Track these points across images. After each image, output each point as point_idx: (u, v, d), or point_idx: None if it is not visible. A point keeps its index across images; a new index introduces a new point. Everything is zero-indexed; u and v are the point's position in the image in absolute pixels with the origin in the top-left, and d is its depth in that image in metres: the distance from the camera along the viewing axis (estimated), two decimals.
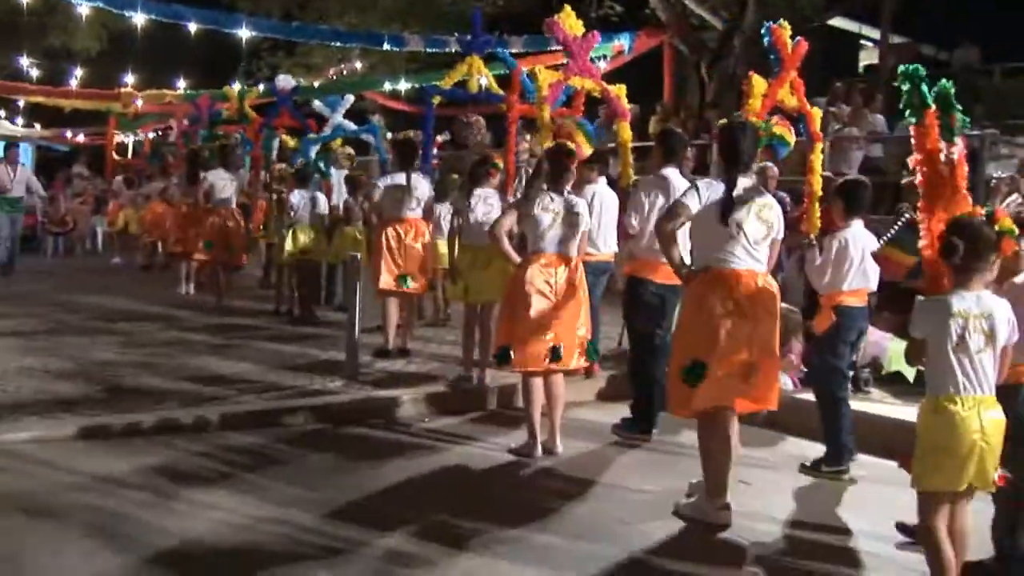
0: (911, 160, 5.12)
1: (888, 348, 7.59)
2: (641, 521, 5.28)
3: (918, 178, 4.94)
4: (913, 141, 4.88)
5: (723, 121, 5.54)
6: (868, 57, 21.93)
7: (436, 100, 11.44)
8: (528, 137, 10.20)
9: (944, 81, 4.80)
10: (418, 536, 4.95)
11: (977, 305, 4.02)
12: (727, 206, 5.21)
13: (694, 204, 5.19)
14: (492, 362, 6.94)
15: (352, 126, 12.66)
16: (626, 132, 8.80)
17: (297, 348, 9.13)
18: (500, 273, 7.31)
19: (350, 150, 12.83)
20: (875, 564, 4.87)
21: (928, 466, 4.04)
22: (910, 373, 7.59)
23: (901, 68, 4.78)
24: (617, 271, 7.97)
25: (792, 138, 8.26)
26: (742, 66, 16.09)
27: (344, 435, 6.75)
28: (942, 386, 4.01)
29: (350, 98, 12.94)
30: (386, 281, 8.64)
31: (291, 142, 12.56)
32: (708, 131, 15.25)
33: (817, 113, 8.43)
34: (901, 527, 5.03)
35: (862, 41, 22.01)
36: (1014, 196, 7.31)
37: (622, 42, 16.49)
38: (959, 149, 4.81)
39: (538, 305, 6.16)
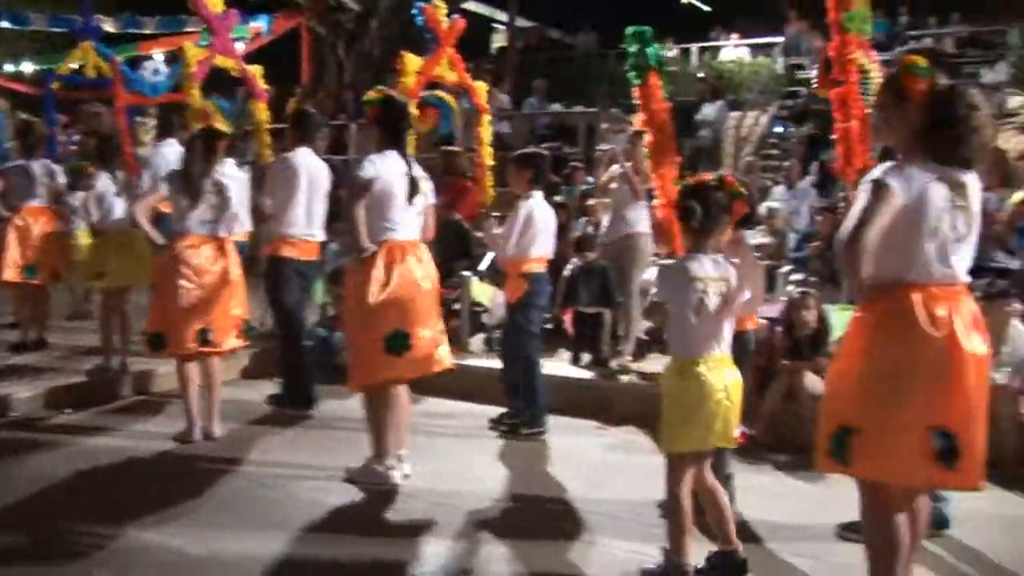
0: (635, 120, 5.38)
1: None
2: (317, 496, 5.29)
3: (647, 138, 5.26)
4: (639, 101, 5.17)
5: (377, 96, 5.55)
6: (500, 40, 23.10)
7: (56, 85, 10.98)
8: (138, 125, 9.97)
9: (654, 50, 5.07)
10: (73, 547, 4.57)
11: (715, 268, 4.09)
12: (414, 184, 5.41)
13: (372, 177, 5.29)
14: (139, 348, 6.86)
15: None
16: (263, 112, 8.85)
17: None
18: (139, 257, 7.27)
19: None
20: (585, 520, 5.06)
21: (679, 428, 4.07)
22: None
23: (630, 29, 5.00)
24: (256, 251, 8.04)
25: (454, 103, 8.55)
26: (378, 47, 16.54)
27: None
28: (685, 348, 4.07)
29: None
30: (10, 273, 8.23)
31: None
32: (345, 112, 15.60)
33: (481, 87, 8.81)
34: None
35: (494, 24, 23.17)
36: (615, 167, 8.10)
37: (260, 24, 16.44)
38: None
39: (189, 287, 6.10)
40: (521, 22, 21.31)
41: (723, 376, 4.06)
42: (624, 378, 7.53)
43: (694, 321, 4.03)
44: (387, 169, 5.38)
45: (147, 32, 15.01)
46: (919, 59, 3.76)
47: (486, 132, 8.60)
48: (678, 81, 17.74)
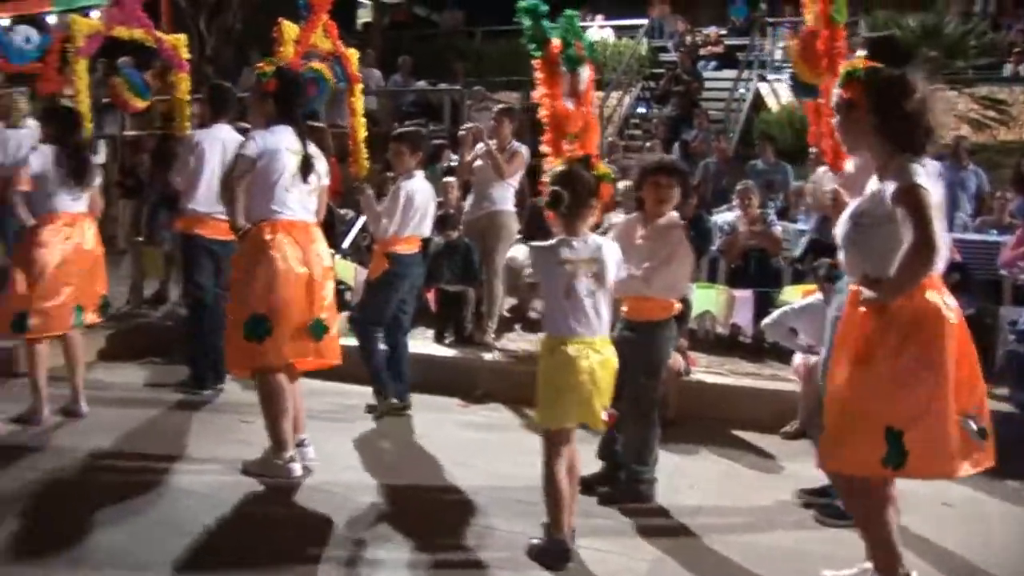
0: (534, 96, 5.16)
1: None
2: (219, 493, 4.94)
3: (543, 112, 5.14)
4: (538, 75, 5.02)
5: (270, 68, 5.29)
6: (365, 16, 22.82)
7: None
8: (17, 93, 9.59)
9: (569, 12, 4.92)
10: None
11: (585, 250, 4.12)
12: (308, 162, 5.17)
13: (255, 154, 5.02)
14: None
15: None
16: (184, 84, 8.58)
17: None
18: None
19: None
20: (458, 501, 5.00)
21: (547, 405, 4.16)
22: None
23: (521, 4, 4.85)
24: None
25: (330, 75, 8.23)
26: (240, 20, 16.15)
27: None
28: (555, 328, 4.14)
29: None
30: None
31: None
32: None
33: (354, 54, 8.51)
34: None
35: (359, 0, 22.90)
36: (479, 145, 8.09)
37: None
38: (586, 77, 5.05)
39: (56, 266, 5.92)
40: None
41: (589, 358, 4.10)
42: (488, 356, 7.56)
43: (564, 302, 4.10)
44: (275, 145, 5.09)
45: None
46: (855, 62, 3.86)
47: (359, 103, 8.33)
48: None
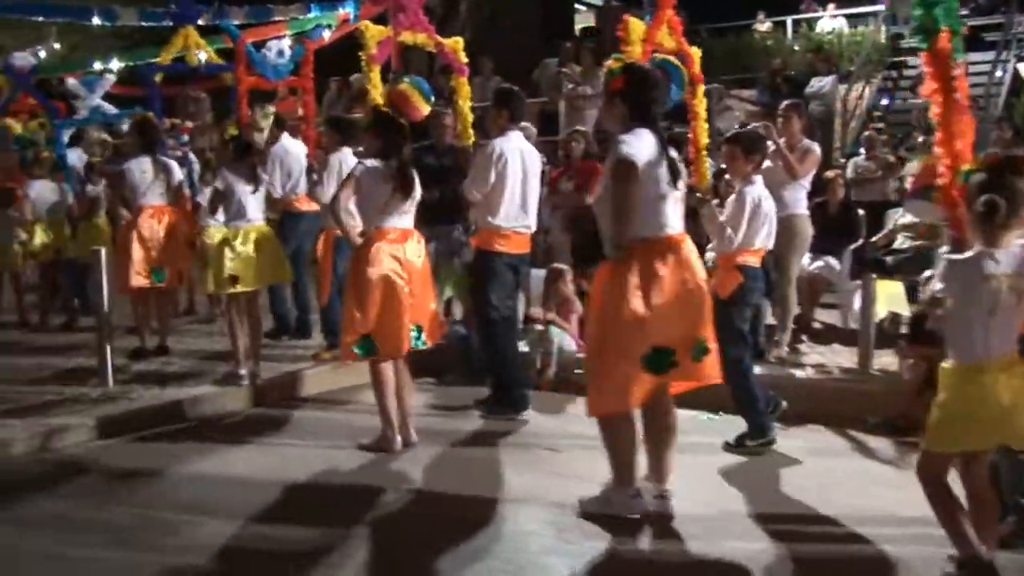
0: (922, 90, 4.74)
1: None
2: (565, 535, 4.54)
3: (933, 110, 4.72)
4: (926, 69, 4.61)
5: (618, 65, 4.81)
6: (582, 20, 22.55)
7: (158, 78, 10.62)
8: (258, 109, 9.70)
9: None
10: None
11: (1009, 262, 3.64)
12: (674, 166, 4.61)
13: (639, 159, 4.39)
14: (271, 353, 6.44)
15: (112, 109, 11.39)
16: (465, 88, 8.50)
17: (34, 360, 7.98)
18: (272, 255, 7.06)
19: (105, 135, 11.48)
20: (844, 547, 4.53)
21: (950, 431, 3.72)
22: None
23: None
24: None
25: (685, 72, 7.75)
26: (469, 31, 16.12)
27: (131, 448, 5.99)
28: (969, 353, 3.68)
29: (110, 78, 11.65)
30: (139, 279, 7.77)
31: (17, 127, 11.19)
32: (442, 97, 15.15)
33: (697, 53, 8.06)
34: None
35: (576, 5, 22.69)
36: (768, 143, 7.51)
37: (347, 10, 16.03)
38: (960, 69, 4.56)
39: (392, 285, 5.64)
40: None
41: (1009, 380, 3.64)
42: (799, 373, 6.93)
43: (985, 320, 3.63)
44: (645, 149, 4.47)
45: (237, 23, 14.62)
46: None
47: (701, 105, 7.84)
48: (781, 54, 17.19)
